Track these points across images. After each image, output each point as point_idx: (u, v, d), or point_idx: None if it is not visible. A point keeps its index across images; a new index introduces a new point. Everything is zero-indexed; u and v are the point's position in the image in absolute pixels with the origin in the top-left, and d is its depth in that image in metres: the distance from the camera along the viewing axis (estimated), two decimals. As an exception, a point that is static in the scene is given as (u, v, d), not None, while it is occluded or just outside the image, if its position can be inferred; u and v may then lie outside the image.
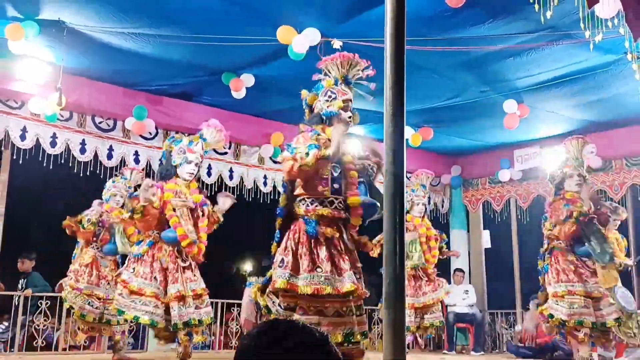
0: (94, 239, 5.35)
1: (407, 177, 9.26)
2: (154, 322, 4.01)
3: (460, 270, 8.52)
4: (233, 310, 7.47)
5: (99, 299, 5.26)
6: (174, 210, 4.19)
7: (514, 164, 8.33)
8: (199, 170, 4.46)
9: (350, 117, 3.28)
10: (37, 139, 6.31)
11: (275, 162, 7.90)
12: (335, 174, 3.20)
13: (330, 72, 3.39)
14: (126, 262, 4.36)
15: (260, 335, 1.05)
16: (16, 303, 6.26)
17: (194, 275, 4.23)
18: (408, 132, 7.40)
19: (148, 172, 6.98)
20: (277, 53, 5.60)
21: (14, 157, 6.29)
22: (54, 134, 6.44)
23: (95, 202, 5.50)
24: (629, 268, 5.62)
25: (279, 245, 3.21)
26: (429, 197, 6.04)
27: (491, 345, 8.68)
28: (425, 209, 5.91)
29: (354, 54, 3.42)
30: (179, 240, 4.15)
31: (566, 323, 4.47)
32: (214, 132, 4.48)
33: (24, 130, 6.24)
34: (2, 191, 6.26)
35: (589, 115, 7.21)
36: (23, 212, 7.60)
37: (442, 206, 9.34)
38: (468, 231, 9.34)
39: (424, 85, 6.25)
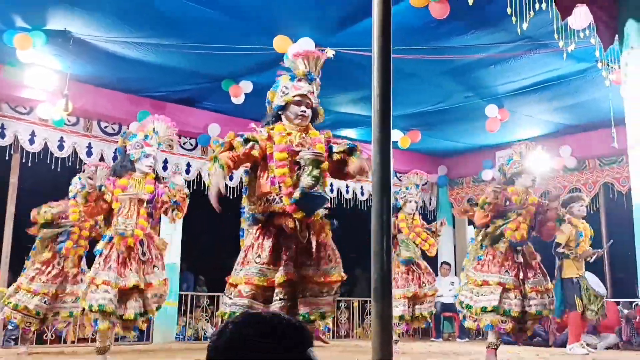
0: (57, 238, 5.14)
1: (398, 177, 9.33)
2: (102, 307, 3.90)
3: (447, 263, 8.64)
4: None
5: (55, 295, 5.11)
6: (121, 204, 4.09)
7: (495, 164, 8.40)
8: (155, 162, 4.32)
9: (303, 112, 3.06)
10: (45, 143, 6.32)
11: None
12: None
13: (296, 67, 3.22)
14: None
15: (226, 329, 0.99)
16: None
17: (153, 267, 4.15)
18: (397, 135, 7.46)
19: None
20: (274, 61, 5.61)
21: (23, 160, 6.28)
22: (62, 138, 6.44)
23: (62, 201, 5.28)
24: (593, 258, 5.68)
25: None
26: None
27: (475, 332, 8.74)
28: (417, 207, 5.95)
29: (315, 50, 3.28)
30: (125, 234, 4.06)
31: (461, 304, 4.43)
32: (164, 126, 4.37)
33: (33, 134, 6.24)
34: (12, 193, 6.25)
35: (564, 119, 7.30)
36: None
37: (430, 204, 9.44)
38: (454, 227, 9.41)
39: (413, 91, 6.31)
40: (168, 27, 5.14)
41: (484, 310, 4.19)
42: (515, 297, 4.19)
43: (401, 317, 5.57)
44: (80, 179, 5.28)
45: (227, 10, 4.78)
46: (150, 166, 4.22)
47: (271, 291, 2.83)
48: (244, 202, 3.13)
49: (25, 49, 5.18)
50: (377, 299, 1.64)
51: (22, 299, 5.08)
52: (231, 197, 7.64)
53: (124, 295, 4.00)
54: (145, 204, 4.17)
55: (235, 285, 2.87)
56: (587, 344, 6.00)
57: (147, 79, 6.31)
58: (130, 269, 4.03)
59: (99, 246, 4.15)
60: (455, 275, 8.94)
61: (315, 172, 2.86)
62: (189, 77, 6.31)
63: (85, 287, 4.06)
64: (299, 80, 3.17)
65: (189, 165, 7.40)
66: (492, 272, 4.26)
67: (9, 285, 6.03)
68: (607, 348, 6.34)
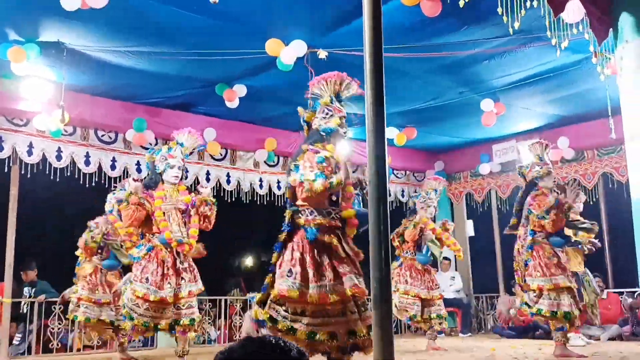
0: (99, 251, 5.36)
1: (395, 174, 9.30)
2: (146, 324, 4.08)
3: (447, 258, 8.55)
4: (235, 305, 7.46)
5: (103, 304, 5.29)
6: (164, 214, 4.22)
7: (493, 157, 8.38)
8: (183, 173, 4.50)
9: (345, 132, 3.33)
10: (44, 154, 6.28)
11: (269, 165, 7.90)
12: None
13: (321, 93, 3.37)
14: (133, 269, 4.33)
15: (236, 350, 1.00)
16: (24, 311, 6.24)
17: (192, 276, 4.26)
18: (393, 132, 7.43)
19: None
20: (267, 65, 5.59)
21: (22, 172, 6.24)
22: (59, 148, 6.40)
23: (101, 218, 5.46)
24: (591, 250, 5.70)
25: (279, 255, 3.21)
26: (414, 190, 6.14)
27: (477, 327, 8.73)
28: (435, 212, 5.99)
29: (342, 73, 3.39)
30: (167, 242, 4.19)
31: (546, 314, 4.51)
32: (187, 135, 4.54)
33: (31, 146, 6.19)
34: (13, 204, 6.21)
35: (561, 110, 7.25)
36: (33, 223, 7.55)
37: (428, 199, 9.38)
38: (453, 221, 9.31)
39: (407, 89, 6.27)
40: (160, 35, 5.09)
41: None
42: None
43: (413, 317, 5.59)
44: (114, 194, 5.42)
45: (218, 16, 4.74)
46: (176, 176, 4.38)
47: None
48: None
49: (20, 62, 5.13)
50: (377, 306, 1.61)
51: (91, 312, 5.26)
52: (229, 200, 7.63)
53: (160, 305, 4.10)
54: (181, 214, 4.31)
55: None
56: (590, 336, 5.99)
57: (141, 86, 6.27)
58: (169, 283, 4.13)
59: (136, 253, 4.24)
60: (456, 269, 8.93)
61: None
62: (182, 83, 6.27)
63: (123, 288, 4.20)
64: (339, 100, 3.37)
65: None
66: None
67: (13, 295, 6.04)
68: (610, 339, 6.30)
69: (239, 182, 7.68)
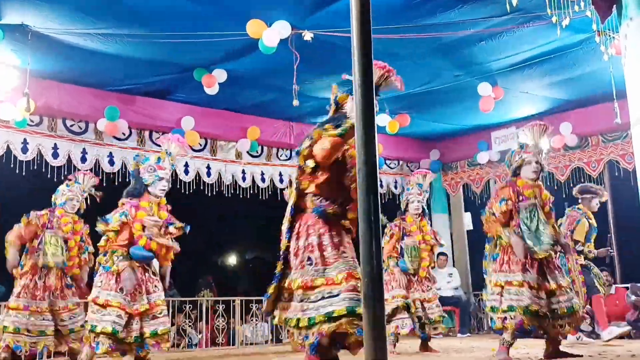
0: (37, 245, 5.11)
1: (388, 164, 9.25)
2: (115, 331, 4.04)
3: (443, 253, 8.56)
4: (217, 306, 7.45)
5: (43, 312, 5.05)
6: (144, 229, 4.23)
7: (491, 145, 8.41)
8: (169, 186, 4.52)
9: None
10: (8, 146, 6.19)
11: (253, 156, 7.87)
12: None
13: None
14: (96, 276, 4.30)
15: None
16: None
17: (155, 287, 4.31)
18: (385, 119, 7.40)
19: (124, 174, 6.91)
20: (248, 48, 5.54)
21: (-16, 165, 6.15)
22: (25, 139, 6.32)
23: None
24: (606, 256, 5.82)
25: (292, 242, 3.18)
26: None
27: (476, 326, 8.80)
28: (423, 208, 5.85)
29: (385, 64, 3.28)
30: (146, 257, 4.24)
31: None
32: (175, 145, 4.57)
33: (-6, 137, 6.11)
34: (-25, 201, 6.13)
35: (563, 94, 7.29)
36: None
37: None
38: (450, 214, 9.42)
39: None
40: (132, 17, 5.03)
41: (510, 309, 4.15)
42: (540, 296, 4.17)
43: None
44: (68, 186, 5.31)
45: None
46: (163, 189, 4.42)
47: None
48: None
49: (-21, 45, 5.06)
50: (368, 306, 1.61)
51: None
52: (209, 194, 7.59)
53: (130, 317, 4.15)
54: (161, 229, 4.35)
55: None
56: (592, 334, 6.05)
57: (112, 72, 6.20)
58: (140, 292, 4.20)
59: (107, 264, 4.22)
60: (454, 266, 8.98)
61: None
62: (158, 68, 6.21)
63: (96, 311, 4.13)
64: (375, 93, 3.27)
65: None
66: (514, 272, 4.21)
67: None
68: (620, 337, 6.33)
69: (220, 174, 7.64)
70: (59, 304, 5.16)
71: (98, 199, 5.46)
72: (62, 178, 6.44)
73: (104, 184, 6.02)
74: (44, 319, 5.08)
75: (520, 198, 4.28)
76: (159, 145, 7.17)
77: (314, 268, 3.04)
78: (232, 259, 14.03)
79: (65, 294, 5.23)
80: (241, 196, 7.82)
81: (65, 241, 5.22)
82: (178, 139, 4.66)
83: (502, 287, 4.23)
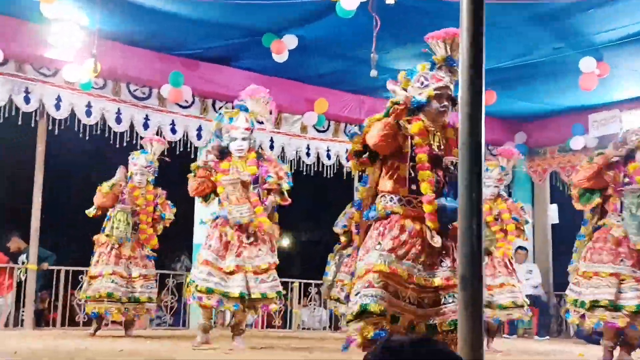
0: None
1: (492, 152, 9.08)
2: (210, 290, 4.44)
3: (523, 248, 8.35)
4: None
5: (122, 277, 5.54)
6: (224, 189, 4.54)
7: (588, 129, 8.03)
8: (250, 143, 4.71)
9: (445, 107, 3.14)
10: (72, 109, 6.48)
11: (319, 130, 7.91)
12: (413, 175, 3.16)
13: (435, 51, 3.21)
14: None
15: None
16: (18, 279, 6.61)
17: (259, 251, 4.55)
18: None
19: (185, 143, 7.14)
20: (323, 11, 5.54)
21: (50, 127, 6.49)
22: (89, 103, 6.59)
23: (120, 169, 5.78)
24: None
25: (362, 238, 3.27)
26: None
27: (557, 329, 8.60)
28: (499, 192, 5.79)
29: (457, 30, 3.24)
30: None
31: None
32: (253, 100, 4.70)
33: (59, 99, 6.42)
34: (40, 162, 6.48)
35: (679, 74, 6.89)
36: (60, 184, 7.92)
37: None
38: (533, 205, 9.16)
39: (487, 42, 6.05)
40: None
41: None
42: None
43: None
44: (133, 158, 5.75)
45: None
46: (240, 149, 4.60)
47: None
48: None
49: (50, 2, 5.29)
50: (465, 287, 1.62)
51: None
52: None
53: (226, 274, 4.50)
54: (251, 187, 4.57)
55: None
56: None
57: (178, 34, 6.36)
58: (231, 252, 4.53)
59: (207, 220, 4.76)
60: (534, 262, 8.76)
61: None
62: (225, 31, 6.30)
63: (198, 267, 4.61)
64: (439, 68, 3.20)
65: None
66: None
67: (39, 261, 6.43)
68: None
69: (283, 149, 7.72)
70: (132, 272, 5.61)
71: (165, 164, 5.81)
72: (125, 144, 6.77)
73: (166, 152, 6.25)
74: (113, 282, 5.50)
75: (627, 180, 4.14)
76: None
77: (380, 252, 3.07)
78: (285, 241, 14.29)
79: (145, 264, 5.71)
80: (304, 173, 7.88)
81: (136, 215, 5.62)
82: (255, 93, 4.79)
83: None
